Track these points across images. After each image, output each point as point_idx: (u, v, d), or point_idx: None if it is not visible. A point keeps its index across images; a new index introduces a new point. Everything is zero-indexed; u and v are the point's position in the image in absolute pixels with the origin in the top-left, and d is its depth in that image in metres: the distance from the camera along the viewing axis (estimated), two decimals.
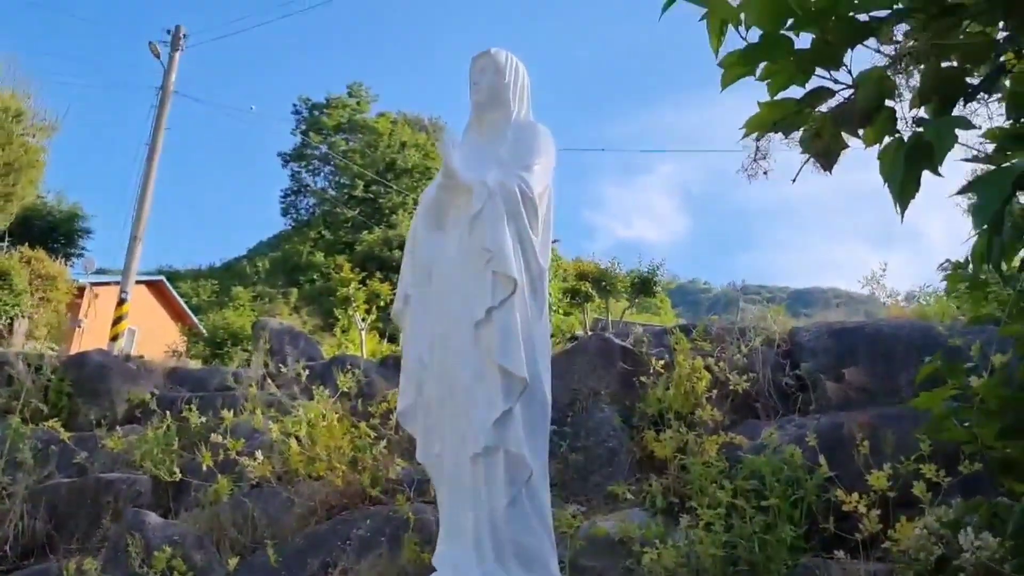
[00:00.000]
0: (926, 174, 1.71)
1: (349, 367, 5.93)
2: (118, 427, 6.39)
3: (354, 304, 13.35)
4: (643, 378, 5.13)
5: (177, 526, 4.86)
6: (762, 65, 2.15)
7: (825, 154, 2.23)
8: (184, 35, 18.12)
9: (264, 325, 12.76)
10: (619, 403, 5.31)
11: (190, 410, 5.17)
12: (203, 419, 5.18)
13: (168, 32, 17.96)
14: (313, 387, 5.28)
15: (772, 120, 2.23)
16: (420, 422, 3.22)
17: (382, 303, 13.93)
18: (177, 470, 4.89)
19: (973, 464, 3.59)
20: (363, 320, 13.29)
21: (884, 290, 6.63)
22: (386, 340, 17.36)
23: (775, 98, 2.22)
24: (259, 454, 4.98)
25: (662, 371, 4.99)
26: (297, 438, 5.08)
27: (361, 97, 36.81)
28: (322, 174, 36.20)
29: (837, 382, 4.86)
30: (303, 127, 34.79)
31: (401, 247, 26.91)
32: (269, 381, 5.91)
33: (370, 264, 24.53)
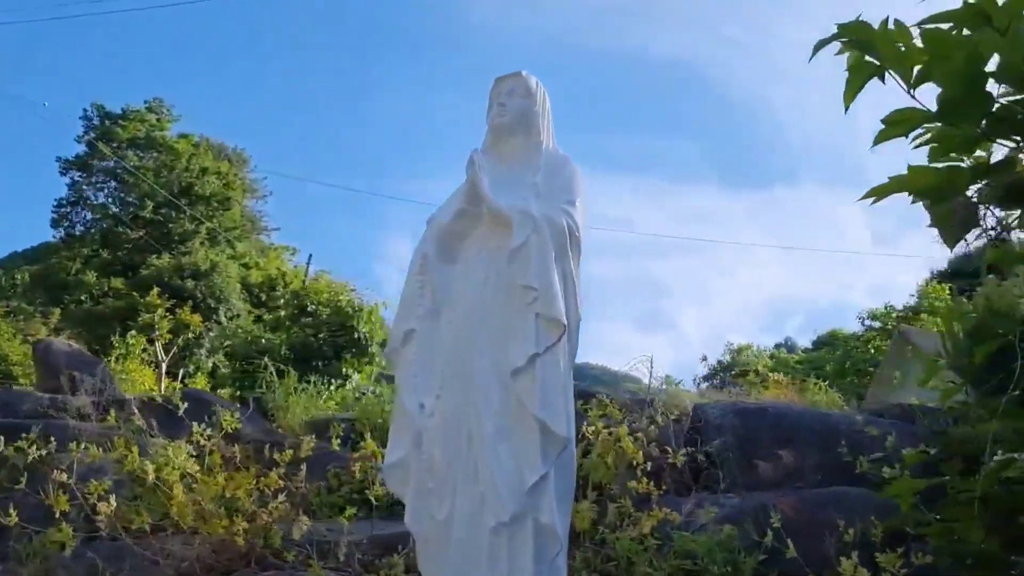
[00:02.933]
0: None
1: (212, 405, 5.19)
2: None
3: (157, 333, 12.04)
4: None
5: None
6: (923, 127, 2.05)
7: (960, 232, 2.15)
8: None
9: (48, 346, 11.22)
10: None
11: (31, 441, 4.23)
12: (42, 452, 4.25)
13: None
14: (194, 425, 4.51)
15: (924, 186, 2.11)
16: (414, 480, 2.75)
17: (191, 335, 12.66)
18: (13, 513, 3.92)
19: (925, 555, 3.65)
20: (165, 352, 12.13)
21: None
22: (166, 376, 15.74)
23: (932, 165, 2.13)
24: (113, 499, 4.17)
25: (589, 436, 4.75)
26: (158, 482, 4.31)
27: (162, 114, 34.15)
28: (106, 189, 32.97)
29: (754, 461, 4.87)
30: (92, 135, 31.66)
31: (195, 276, 24.95)
32: (133, 412, 4.98)
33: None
